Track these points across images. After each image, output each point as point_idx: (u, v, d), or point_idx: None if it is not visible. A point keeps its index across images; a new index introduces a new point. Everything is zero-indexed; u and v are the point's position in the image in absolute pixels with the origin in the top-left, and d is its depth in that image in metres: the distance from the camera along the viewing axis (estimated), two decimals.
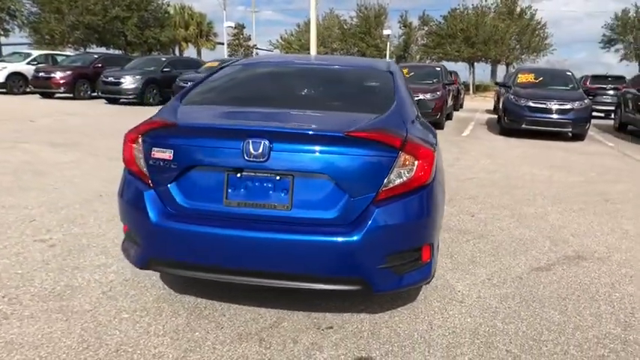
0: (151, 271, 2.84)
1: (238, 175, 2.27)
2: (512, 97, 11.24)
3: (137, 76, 15.78)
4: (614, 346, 2.44)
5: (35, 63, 18.75)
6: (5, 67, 18.17)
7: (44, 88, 16.82)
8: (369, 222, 2.19)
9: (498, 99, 15.54)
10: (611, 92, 17.37)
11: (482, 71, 38.75)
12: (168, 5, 37.13)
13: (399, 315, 2.64)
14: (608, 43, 36.09)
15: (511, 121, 11.13)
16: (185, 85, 14.24)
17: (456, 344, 2.39)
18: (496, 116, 14.11)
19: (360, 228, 2.19)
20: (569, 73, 12.77)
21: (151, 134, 2.41)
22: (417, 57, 36.16)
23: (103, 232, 3.75)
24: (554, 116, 10.73)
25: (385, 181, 2.23)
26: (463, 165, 7.31)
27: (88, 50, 30.85)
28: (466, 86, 28.84)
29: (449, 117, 13.93)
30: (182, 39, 40.04)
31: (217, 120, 2.62)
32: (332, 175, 2.21)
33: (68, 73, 16.72)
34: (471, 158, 8.02)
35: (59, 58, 20.11)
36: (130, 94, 15.60)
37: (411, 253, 2.36)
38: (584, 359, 2.31)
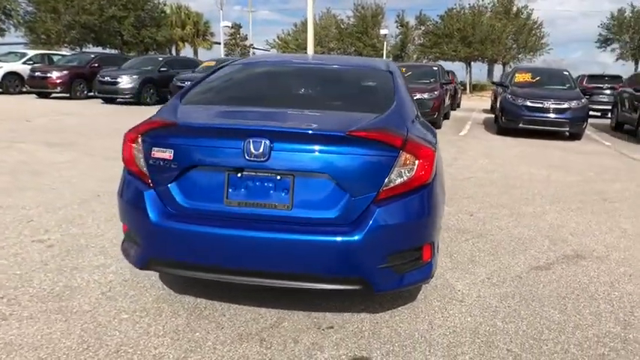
0: (151, 272, 2.83)
1: (239, 174, 2.26)
2: (509, 96, 11.27)
3: (134, 76, 15.74)
4: (614, 344, 2.44)
5: (31, 63, 18.66)
6: (1, 67, 18.07)
7: (40, 87, 16.74)
8: (370, 222, 2.19)
9: (495, 98, 15.56)
10: (607, 91, 17.46)
11: (479, 71, 38.88)
12: (165, 5, 37.07)
13: (400, 314, 2.64)
14: (604, 42, 36.21)
15: (508, 121, 11.16)
16: (182, 84, 14.21)
17: (457, 343, 2.39)
18: (493, 115, 14.14)
19: (360, 228, 2.19)
20: (567, 73, 12.81)
21: (151, 134, 2.40)
22: (414, 56, 36.17)
23: (102, 232, 3.73)
24: (552, 115, 10.77)
25: (386, 180, 2.23)
26: (461, 164, 7.32)
27: (84, 50, 30.72)
28: (463, 86, 28.89)
29: (446, 116, 13.97)
30: (179, 38, 39.96)
31: (218, 119, 2.61)
32: (333, 174, 2.21)
33: (64, 72, 16.65)
34: (468, 158, 8.03)
35: (55, 58, 20.03)
36: (126, 94, 15.55)
37: (412, 253, 2.36)
38: (585, 358, 2.31)
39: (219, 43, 38.55)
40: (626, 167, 7.89)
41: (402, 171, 2.24)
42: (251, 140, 2.19)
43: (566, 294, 2.99)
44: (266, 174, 2.25)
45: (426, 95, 10.89)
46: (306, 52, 22.58)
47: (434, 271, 2.52)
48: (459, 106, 19.52)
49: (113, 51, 32.99)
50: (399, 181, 2.24)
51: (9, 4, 29.65)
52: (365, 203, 2.22)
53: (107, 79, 15.70)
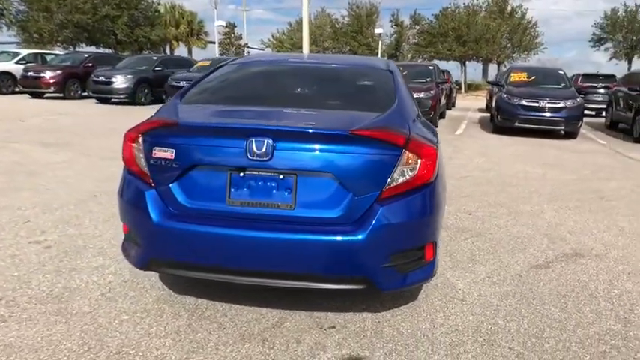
0: (150, 272, 2.81)
1: (241, 174, 2.25)
2: (505, 95, 11.31)
3: (128, 76, 15.63)
4: (615, 342, 2.45)
5: (24, 62, 18.47)
6: None
7: (34, 87, 16.59)
8: (373, 221, 2.18)
9: (491, 98, 15.63)
10: (601, 90, 17.58)
11: (473, 70, 38.99)
12: (159, 4, 36.83)
13: (401, 313, 2.64)
14: (597, 42, 36.42)
15: (504, 120, 11.20)
16: (177, 84, 14.16)
17: (459, 342, 2.39)
18: (488, 115, 14.19)
19: (364, 227, 2.18)
20: (562, 72, 12.88)
21: (152, 133, 2.38)
22: (409, 56, 36.22)
23: (100, 232, 3.70)
24: (547, 114, 10.82)
25: (389, 179, 2.22)
26: (457, 163, 7.33)
27: (77, 49, 30.51)
28: (458, 85, 28.97)
29: (442, 116, 14.00)
30: (173, 38, 39.78)
31: (219, 119, 2.59)
32: (336, 174, 2.20)
33: (58, 72, 16.52)
34: (464, 157, 8.05)
35: (48, 58, 19.86)
36: (121, 94, 15.45)
37: (415, 252, 2.36)
38: (586, 356, 2.32)
39: (214, 43, 38.45)
40: (622, 166, 7.94)
41: (405, 170, 2.24)
42: (253, 140, 2.18)
43: (566, 292, 3.00)
44: (269, 173, 2.24)
45: (422, 94, 10.90)
46: (301, 52, 22.54)
47: (436, 270, 2.52)
48: (454, 105, 19.56)
49: (107, 50, 32.78)
50: (401, 180, 2.24)
51: (1, 4, 29.38)
52: (368, 202, 2.21)
53: (101, 78, 15.58)
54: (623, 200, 5.45)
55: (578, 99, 11.10)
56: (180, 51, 41.34)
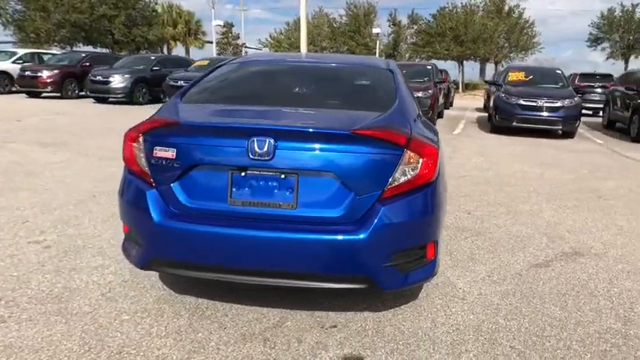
0: (150, 272, 2.81)
1: (243, 173, 2.25)
2: (503, 95, 11.33)
3: (126, 75, 15.58)
4: (615, 340, 2.46)
5: (21, 62, 18.39)
6: None
7: (31, 87, 16.52)
8: (375, 220, 2.18)
9: (488, 97, 15.65)
10: (599, 90, 17.62)
11: (471, 69, 39.09)
12: (156, 3, 36.77)
13: (403, 313, 2.64)
14: (594, 41, 36.52)
15: (502, 119, 11.22)
16: (175, 84, 14.13)
17: (461, 341, 2.39)
18: (486, 114, 14.21)
19: (366, 226, 2.18)
20: (559, 72, 12.90)
21: (153, 133, 2.37)
22: (407, 55, 36.24)
23: (99, 232, 3.69)
24: (545, 114, 10.84)
25: (390, 179, 2.22)
26: (456, 163, 7.34)
27: (74, 49, 30.41)
28: (455, 84, 29.00)
29: (440, 115, 14.02)
30: (170, 37, 39.72)
31: (221, 118, 2.58)
32: (337, 173, 2.20)
33: (55, 72, 16.45)
34: (463, 156, 8.06)
35: (45, 57, 19.78)
36: (118, 93, 15.40)
37: (416, 251, 2.36)
38: (587, 354, 2.33)
39: (212, 42, 38.41)
40: (619, 165, 7.97)
41: (406, 169, 2.24)
42: (255, 139, 2.18)
43: (566, 291, 3.01)
44: (270, 173, 2.24)
45: (420, 94, 10.91)
46: (299, 51, 22.53)
47: (437, 269, 2.52)
48: (451, 105, 19.58)
49: (104, 50, 32.70)
50: (403, 179, 2.24)
51: None
52: (370, 202, 2.21)
53: (99, 78, 15.53)
54: (622, 199, 5.47)
55: (575, 98, 11.12)
56: (178, 51, 41.35)
